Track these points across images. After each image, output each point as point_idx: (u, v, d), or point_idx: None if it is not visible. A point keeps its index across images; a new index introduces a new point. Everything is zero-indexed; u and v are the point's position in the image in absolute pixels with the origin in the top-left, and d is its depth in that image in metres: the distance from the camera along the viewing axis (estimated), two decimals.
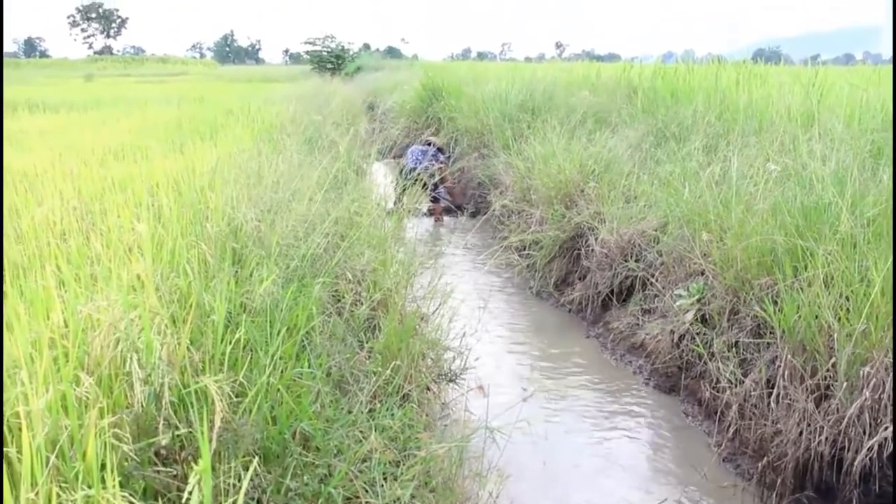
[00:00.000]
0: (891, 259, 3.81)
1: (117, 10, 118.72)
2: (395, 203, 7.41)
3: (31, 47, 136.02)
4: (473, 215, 11.01)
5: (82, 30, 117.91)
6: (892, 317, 3.73)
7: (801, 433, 3.92)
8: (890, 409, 3.61)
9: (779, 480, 4.02)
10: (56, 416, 2.30)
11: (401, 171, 10.57)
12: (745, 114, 7.74)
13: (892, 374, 3.63)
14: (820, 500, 3.98)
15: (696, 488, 4.36)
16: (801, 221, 4.58)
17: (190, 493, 1.83)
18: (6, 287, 3.05)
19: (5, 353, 2.45)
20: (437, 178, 10.17)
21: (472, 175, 11.45)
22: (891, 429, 3.54)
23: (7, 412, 2.31)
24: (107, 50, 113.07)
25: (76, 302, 2.83)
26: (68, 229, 4.25)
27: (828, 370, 3.94)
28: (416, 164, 10.76)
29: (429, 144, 11.71)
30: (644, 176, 7.26)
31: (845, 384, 3.76)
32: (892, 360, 3.65)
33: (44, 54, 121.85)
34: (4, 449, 2.15)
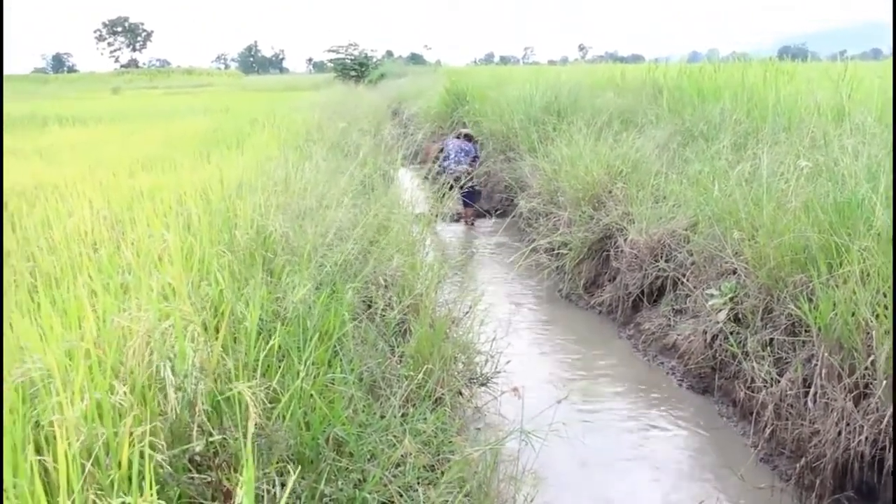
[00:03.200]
0: None
1: (143, 24, 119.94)
2: (429, 208, 7.37)
3: (59, 63, 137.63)
4: (501, 217, 10.96)
5: (109, 44, 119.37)
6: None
7: (839, 433, 3.86)
8: None
9: (818, 481, 3.96)
10: (91, 424, 2.30)
11: (436, 159, 10.53)
12: (774, 111, 7.66)
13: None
14: (860, 501, 3.91)
15: (734, 490, 4.30)
16: (834, 217, 4.52)
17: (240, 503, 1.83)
18: (40, 297, 3.06)
19: (41, 364, 2.46)
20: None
21: (499, 178, 11.42)
22: None
23: (43, 421, 2.33)
24: (133, 63, 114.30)
25: (109, 311, 2.84)
26: (99, 239, 4.28)
27: (866, 368, 3.87)
28: (457, 163, 10.72)
29: (468, 139, 11.60)
30: (672, 175, 7.20)
31: (885, 382, 3.69)
32: None
33: (72, 69, 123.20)
34: (41, 457, 2.15)
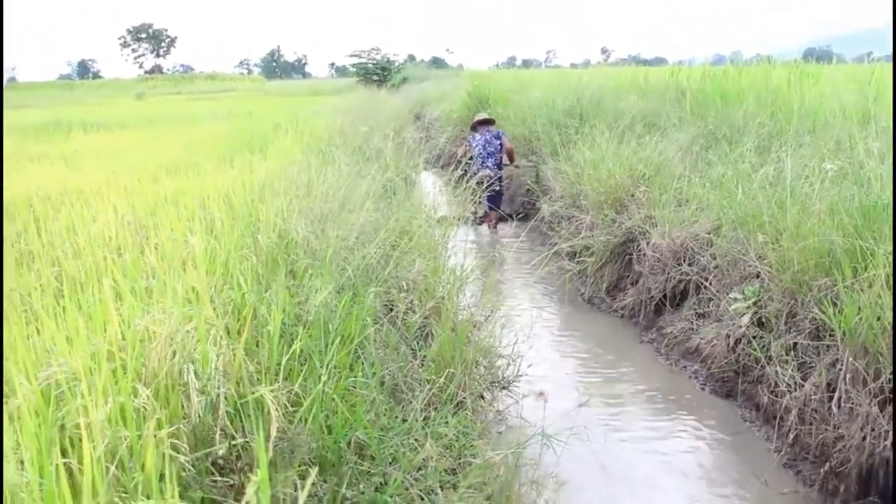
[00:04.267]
0: None
1: (166, 30, 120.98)
2: (451, 211, 7.36)
3: (84, 69, 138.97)
4: (523, 220, 10.92)
5: (133, 50, 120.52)
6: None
7: (864, 438, 3.83)
8: None
9: (842, 487, 3.93)
10: (115, 427, 2.32)
11: (462, 161, 10.48)
12: (799, 114, 7.62)
13: (892, 374, 3.53)
14: None
15: (757, 495, 4.28)
16: (859, 221, 4.48)
17: (248, 503, 1.83)
18: (65, 301, 3.10)
19: (67, 367, 2.49)
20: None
21: (521, 181, 11.41)
22: None
23: (69, 424, 2.35)
24: (157, 69, 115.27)
25: (133, 315, 2.87)
26: (123, 244, 4.32)
27: (892, 373, 3.84)
28: (483, 166, 10.64)
29: (488, 123, 11.46)
30: (695, 179, 7.17)
31: None
32: None
33: (96, 75, 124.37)
34: (66, 460, 2.17)
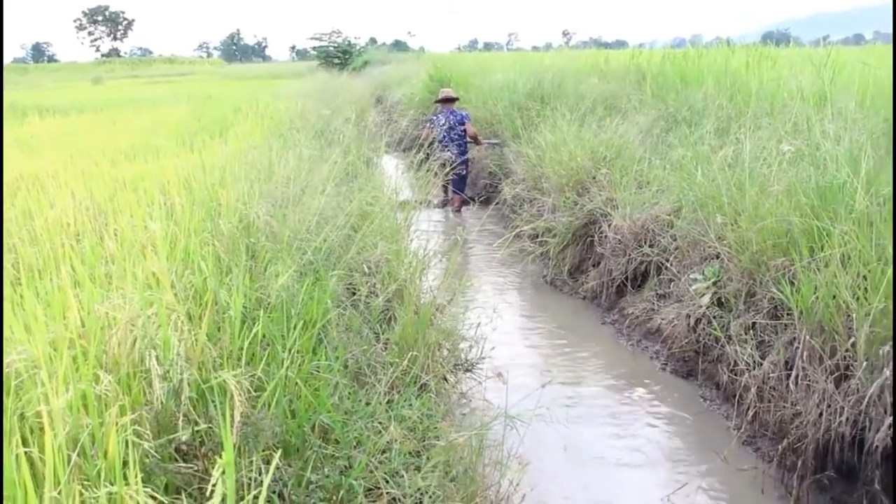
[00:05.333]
0: None
1: (123, 13, 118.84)
2: (413, 194, 7.34)
3: (38, 52, 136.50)
4: (484, 203, 10.91)
5: (89, 33, 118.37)
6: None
7: (821, 414, 3.89)
8: None
9: (799, 462, 4.00)
10: (77, 414, 2.31)
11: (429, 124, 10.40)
12: (757, 96, 7.69)
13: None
14: (841, 481, 3.95)
15: (717, 472, 4.35)
16: (816, 202, 4.55)
17: (214, 486, 1.83)
18: (23, 289, 3.06)
19: (26, 355, 2.46)
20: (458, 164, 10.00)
21: (483, 164, 11.41)
22: None
23: (28, 412, 2.33)
24: (114, 52, 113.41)
25: (92, 301, 2.84)
26: (82, 230, 4.27)
27: (847, 350, 3.91)
28: (444, 148, 10.47)
29: (451, 101, 11.36)
30: (656, 161, 7.23)
31: (865, 363, 3.73)
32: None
33: (52, 59, 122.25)
34: (27, 449, 2.15)
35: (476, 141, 11.25)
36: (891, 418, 3.55)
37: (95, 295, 2.97)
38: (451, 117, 11.11)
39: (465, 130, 11.08)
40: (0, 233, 3.70)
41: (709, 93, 8.37)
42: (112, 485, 2.12)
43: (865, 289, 3.89)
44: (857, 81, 6.76)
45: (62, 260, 3.50)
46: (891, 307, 3.72)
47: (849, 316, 3.92)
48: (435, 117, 11.31)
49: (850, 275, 4.00)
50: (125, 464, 2.13)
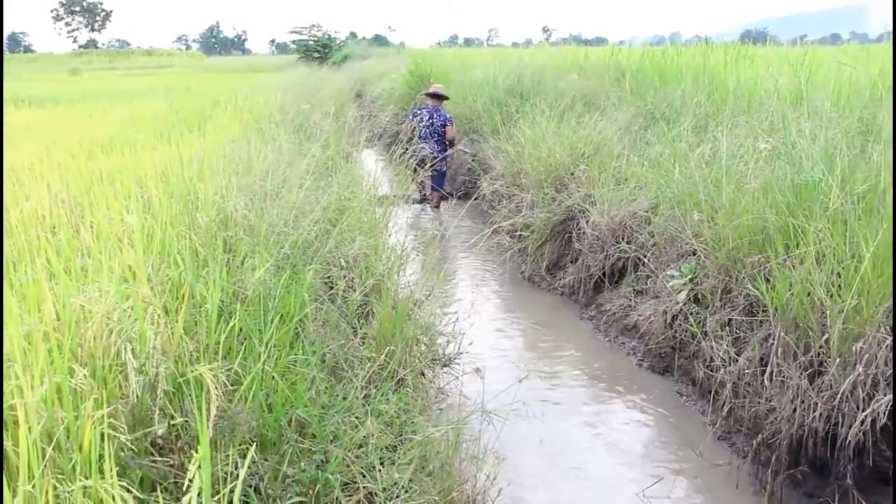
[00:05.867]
0: (880, 234, 3.81)
1: (101, 3, 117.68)
2: (392, 189, 7.32)
3: (14, 42, 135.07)
4: (463, 199, 10.88)
5: (66, 24, 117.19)
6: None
7: (794, 410, 3.93)
8: (883, 383, 3.62)
9: (773, 457, 4.04)
10: (51, 408, 2.29)
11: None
12: (734, 94, 7.74)
13: (892, 367, 3.64)
14: (815, 476, 4.00)
15: (692, 467, 4.38)
16: (791, 199, 4.59)
17: (191, 479, 1.83)
18: None
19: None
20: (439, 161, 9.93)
21: (462, 160, 11.41)
22: (883, 401, 3.55)
23: (3, 405, 2.31)
24: (92, 44, 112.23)
25: (68, 294, 2.82)
26: (57, 222, 4.24)
27: (821, 346, 3.95)
28: (427, 138, 10.42)
29: (439, 98, 11.20)
30: (634, 158, 7.26)
31: (838, 360, 3.77)
32: (890, 337, 3.67)
33: (28, 49, 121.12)
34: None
35: (451, 144, 11.15)
36: (863, 413, 3.60)
37: (71, 288, 2.95)
38: (437, 116, 10.99)
39: (445, 132, 11.03)
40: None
41: (687, 90, 8.41)
42: (87, 478, 2.11)
43: (839, 286, 3.93)
44: (832, 81, 6.82)
45: (37, 252, 3.47)
46: (864, 303, 3.77)
47: (823, 313, 3.96)
48: (419, 111, 11.13)
49: (825, 272, 4.04)
50: (100, 457, 2.13)
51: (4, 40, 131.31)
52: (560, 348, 6.12)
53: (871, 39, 27.47)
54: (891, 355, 3.67)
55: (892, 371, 3.66)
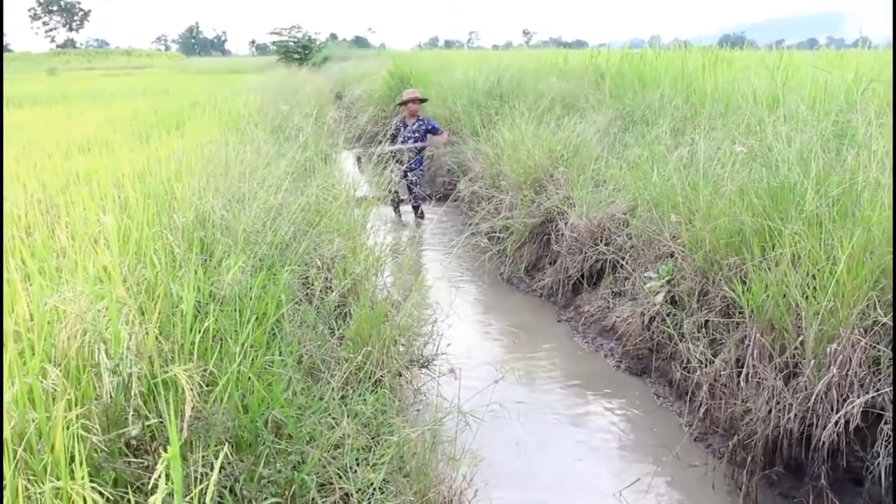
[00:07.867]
0: (855, 237, 3.84)
1: (79, 3, 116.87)
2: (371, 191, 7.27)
3: None
4: (442, 200, 10.81)
5: (44, 23, 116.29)
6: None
7: (770, 411, 3.96)
8: (857, 384, 3.66)
9: (749, 458, 4.06)
10: (23, 409, 2.27)
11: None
12: (712, 97, 7.80)
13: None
14: (790, 477, 4.03)
15: (668, 468, 4.40)
16: (767, 202, 4.62)
17: (157, 479, 1.82)
18: None
19: None
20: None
21: (441, 162, 11.40)
22: (857, 402, 3.58)
23: None
24: (70, 43, 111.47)
25: (41, 294, 2.80)
26: (33, 223, 4.21)
27: (796, 348, 3.98)
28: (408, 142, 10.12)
29: (419, 101, 10.67)
30: (613, 160, 7.29)
31: (813, 361, 3.80)
32: (864, 339, 3.70)
33: (5, 49, 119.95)
34: None
35: (445, 145, 10.82)
36: (837, 415, 3.62)
37: (45, 288, 2.93)
38: (422, 125, 10.45)
39: (433, 133, 10.54)
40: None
41: (665, 93, 8.46)
42: (58, 480, 2.09)
43: (814, 288, 3.96)
44: (808, 85, 6.87)
45: (12, 253, 3.45)
46: (839, 305, 3.80)
47: (798, 315, 3.99)
48: (402, 126, 10.53)
49: (800, 274, 4.07)
50: (72, 458, 2.11)
51: None
52: (538, 350, 6.13)
53: (847, 45, 27.74)
54: (864, 357, 3.71)
55: (865, 372, 3.70)
